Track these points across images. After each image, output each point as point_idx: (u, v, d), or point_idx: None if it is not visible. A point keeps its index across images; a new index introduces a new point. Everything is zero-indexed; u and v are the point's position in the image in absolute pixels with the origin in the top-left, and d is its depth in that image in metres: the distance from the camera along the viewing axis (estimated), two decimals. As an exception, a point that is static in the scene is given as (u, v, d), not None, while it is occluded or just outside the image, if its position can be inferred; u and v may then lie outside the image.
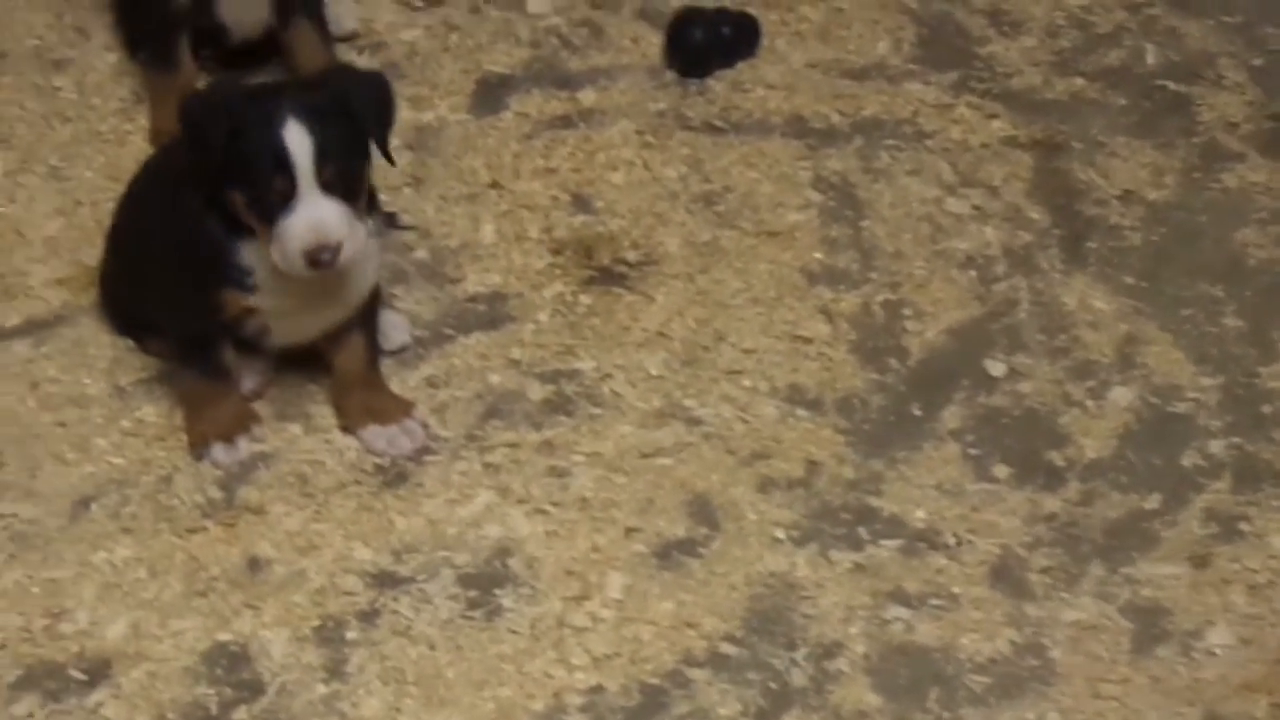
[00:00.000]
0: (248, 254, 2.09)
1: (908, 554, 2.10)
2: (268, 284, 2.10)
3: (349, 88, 2.06)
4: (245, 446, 2.21)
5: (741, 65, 2.75)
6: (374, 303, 2.21)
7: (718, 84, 2.72)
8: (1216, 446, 2.21)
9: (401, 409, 2.23)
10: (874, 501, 2.16)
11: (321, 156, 1.99)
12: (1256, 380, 2.28)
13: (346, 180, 2.03)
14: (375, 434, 2.21)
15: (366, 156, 2.08)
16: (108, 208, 2.37)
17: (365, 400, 2.23)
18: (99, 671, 2.00)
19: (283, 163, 1.98)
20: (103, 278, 2.34)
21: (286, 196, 2.00)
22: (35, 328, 2.35)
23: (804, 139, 2.63)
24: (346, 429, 2.23)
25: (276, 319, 2.16)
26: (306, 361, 2.27)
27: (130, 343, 2.32)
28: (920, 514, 2.15)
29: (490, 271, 2.44)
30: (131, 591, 2.07)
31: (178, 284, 2.14)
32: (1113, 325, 2.36)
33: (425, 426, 2.23)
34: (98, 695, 1.98)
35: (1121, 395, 2.27)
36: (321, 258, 2.00)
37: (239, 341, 2.20)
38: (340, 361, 2.22)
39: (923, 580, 2.08)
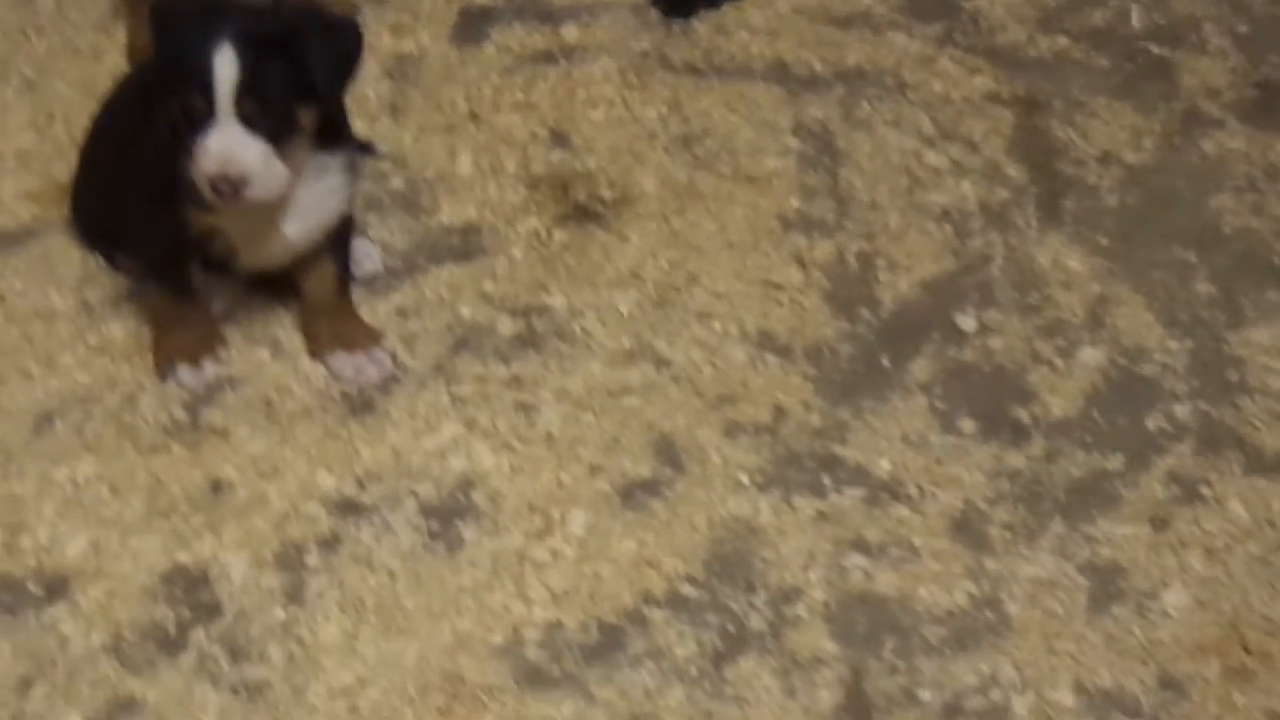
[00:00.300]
0: None
1: (870, 503, 2.11)
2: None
3: (308, 30, 1.99)
4: (210, 369, 2.20)
5: (726, 7, 2.74)
6: (346, 231, 2.20)
7: (702, 25, 2.71)
8: (1181, 410, 2.21)
9: (370, 337, 2.22)
10: (839, 450, 2.17)
11: (245, 87, 1.95)
12: (1225, 346, 2.29)
13: (273, 119, 1.98)
14: (343, 361, 2.21)
15: (310, 101, 2.02)
16: (81, 123, 2.36)
17: (334, 327, 2.22)
18: (57, 587, 1.99)
19: (205, 83, 1.95)
20: (74, 192, 2.32)
21: (203, 118, 1.97)
22: (4, 241, 2.34)
23: (785, 85, 2.62)
24: (314, 355, 2.23)
25: (241, 241, 2.14)
26: (277, 286, 2.26)
27: (99, 259, 2.31)
28: (884, 464, 2.15)
29: (465, 204, 2.43)
30: (92, 509, 2.07)
31: (145, 200, 2.12)
32: (1085, 285, 2.36)
33: (394, 356, 2.22)
34: (55, 611, 1.97)
35: (1090, 355, 2.28)
36: (221, 188, 1.98)
37: (209, 264, 2.19)
38: (310, 287, 2.21)
39: (884, 530, 2.08)
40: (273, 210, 2.08)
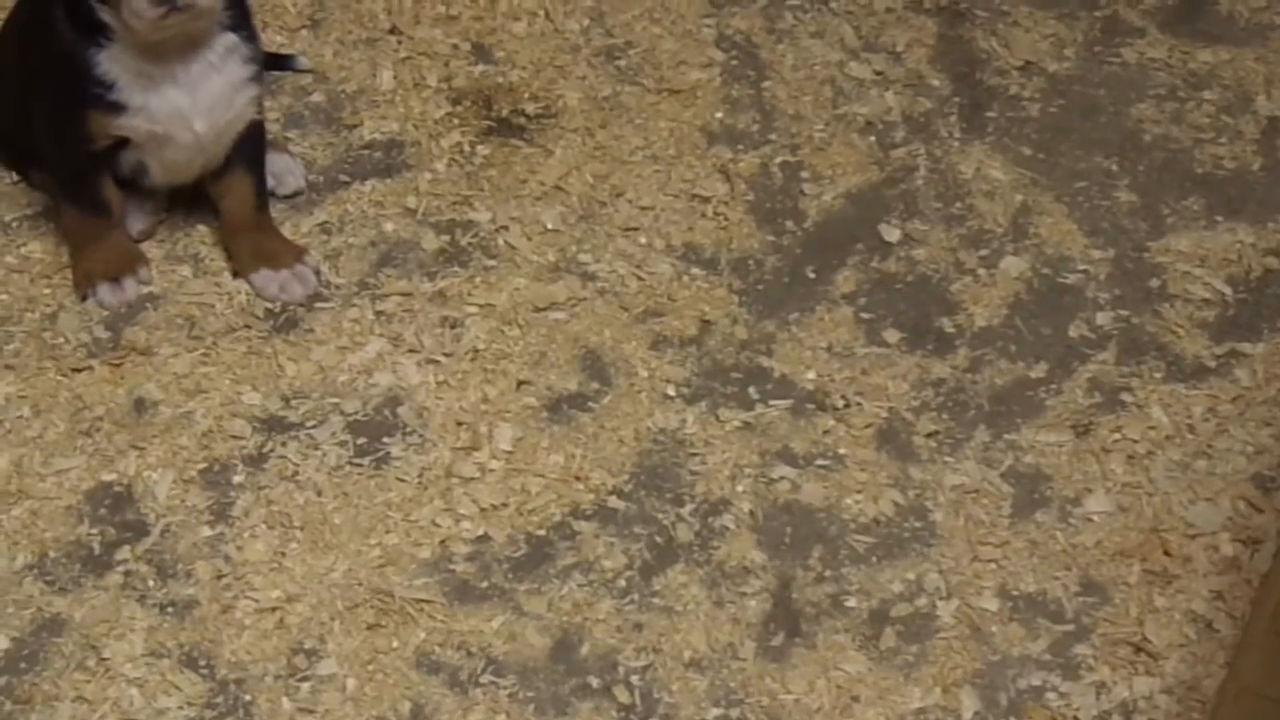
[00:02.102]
0: (107, 63, 2.03)
1: (796, 414, 2.12)
2: (131, 99, 2.05)
3: None
4: (132, 288, 2.17)
5: (649, -82, 2.71)
6: (259, 143, 2.17)
7: (623, -63, 2.69)
8: (1104, 318, 2.23)
9: (293, 254, 2.20)
10: (765, 362, 2.18)
11: None
12: (1146, 255, 2.31)
13: None
14: (267, 278, 2.19)
15: None
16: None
17: (256, 244, 2.20)
18: (-21, 508, 1.98)
19: None
20: None
21: None
22: (-83, 159, 2.30)
23: (709, -4, 2.61)
24: (238, 273, 2.21)
25: (150, 145, 2.11)
26: (197, 203, 2.23)
27: (14, 176, 2.28)
28: (810, 375, 2.16)
29: (387, 119, 2.41)
30: (14, 429, 2.05)
31: (52, 111, 2.09)
32: (1008, 195, 2.37)
33: (318, 273, 2.20)
34: (-22, 532, 1.96)
35: (1013, 265, 2.29)
36: None
37: (124, 181, 2.16)
38: (227, 205, 2.19)
39: (810, 441, 2.09)
40: (180, 104, 2.06)
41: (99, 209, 2.16)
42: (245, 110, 2.13)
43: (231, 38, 2.07)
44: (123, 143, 2.10)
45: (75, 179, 2.15)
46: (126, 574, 1.94)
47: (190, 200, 2.23)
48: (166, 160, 2.13)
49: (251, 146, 2.16)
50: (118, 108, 2.06)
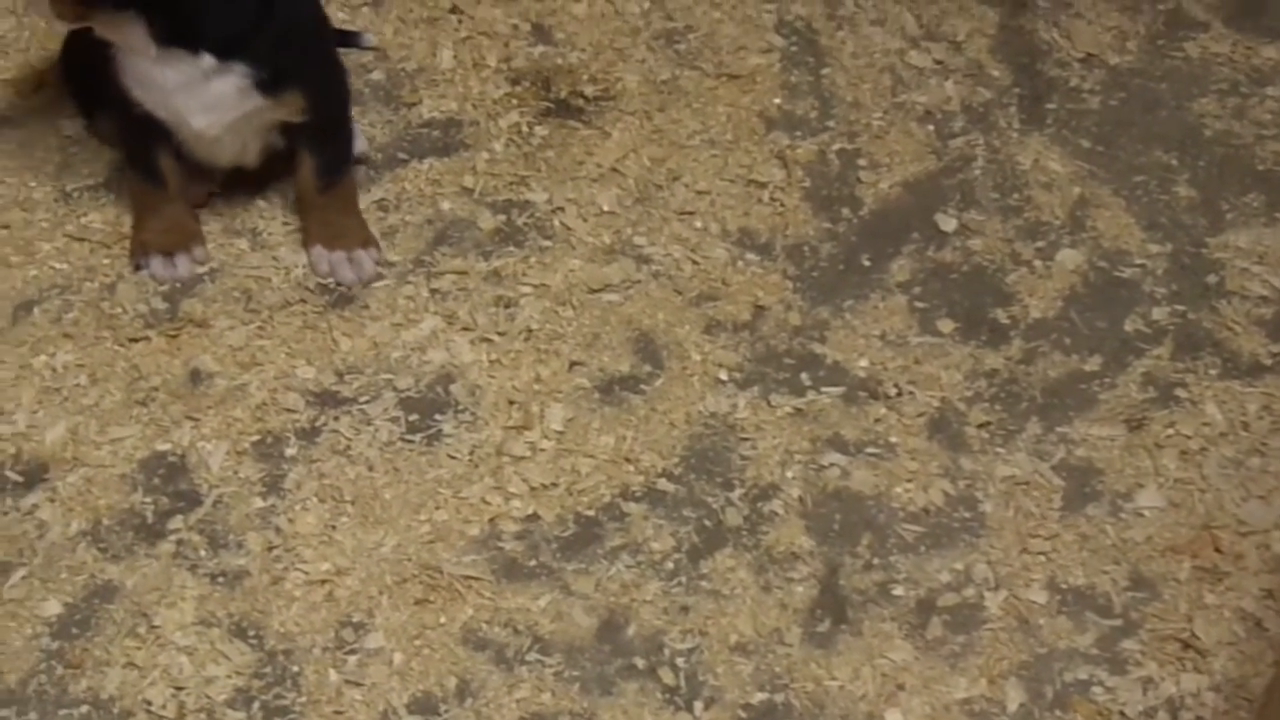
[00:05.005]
0: None
1: (848, 402, 2.12)
2: (134, 82, 2.05)
3: None
4: (184, 265, 2.18)
5: (711, -97, 2.71)
6: (316, 129, 2.15)
7: (687, -79, 2.69)
8: (1160, 313, 2.22)
9: (357, 238, 2.20)
10: (818, 348, 2.17)
11: None
12: (1204, 250, 2.29)
13: None
14: (320, 255, 2.20)
15: None
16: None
17: (322, 219, 2.20)
18: (35, 474, 2.00)
19: None
20: (65, 51, 2.28)
21: None
22: (-18, 127, 2.32)
23: (770, -19, 2.61)
24: (304, 246, 2.21)
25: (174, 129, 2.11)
26: (258, 177, 2.24)
27: (77, 148, 2.30)
28: (863, 363, 2.16)
29: (446, 98, 2.41)
30: (71, 397, 2.06)
31: (105, 68, 2.09)
32: (1066, 187, 2.36)
33: (379, 261, 2.20)
34: (33, 497, 1.98)
35: (1069, 257, 2.28)
36: None
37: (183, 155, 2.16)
38: (297, 179, 2.20)
39: (861, 428, 2.09)
40: (172, 102, 2.05)
41: (153, 177, 2.17)
42: (261, 113, 2.10)
43: (206, 60, 2.02)
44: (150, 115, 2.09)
45: (131, 142, 2.16)
46: (178, 543, 1.96)
47: (250, 175, 2.24)
48: (191, 143, 2.13)
49: (310, 131, 2.15)
50: (129, 82, 2.06)
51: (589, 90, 2.43)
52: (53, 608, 1.90)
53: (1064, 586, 1.96)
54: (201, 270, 2.19)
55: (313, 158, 2.18)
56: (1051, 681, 1.89)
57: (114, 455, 2.02)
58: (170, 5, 1.97)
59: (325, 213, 2.20)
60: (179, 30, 1.99)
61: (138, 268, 2.18)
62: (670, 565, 1.97)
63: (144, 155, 2.15)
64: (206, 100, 2.05)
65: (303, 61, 2.10)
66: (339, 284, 2.19)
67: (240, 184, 2.26)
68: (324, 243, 2.20)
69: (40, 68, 2.35)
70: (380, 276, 2.20)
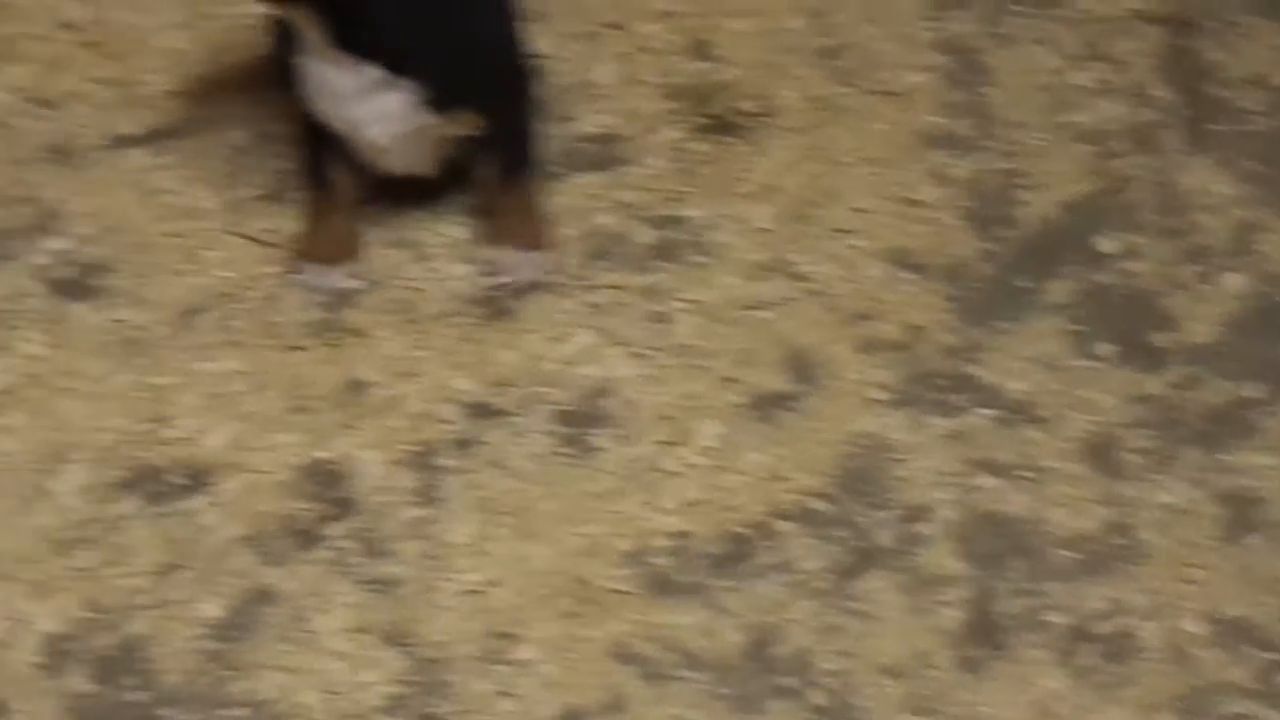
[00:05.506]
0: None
1: (1003, 424, 2.10)
2: (310, 85, 2.09)
3: None
4: (339, 278, 2.21)
5: (874, -81, 2.71)
6: (495, 137, 2.18)
7: (848, -63, 2.69)
8: (1325, 340, 2.19)
9: (532, 240, 2.22)
10: (973, 370, 2.16)
11: None
12: (1372, 277, 2.25)
13: None
14: (489, 254, 2.22)
15: None
16: (231, 22, 2.39)
17: (502, 219, 2.24)
18: (199, 478, 2.04)
19: None
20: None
21: None
22: (154, 137, 2.37)
23: (929, -1, 2.60)
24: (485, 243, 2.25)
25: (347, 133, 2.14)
26: (420, 189, 2.27)
27: (247, 158, 2.34)
28: (1018, 385, 2.14)
29: (604, 113, 2.43)
30: (233, 403, 2.11)
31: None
32: (1229, 210, 2.32)
33: (548, 268, 2.22)
34: (196, 501, 2.02)
35: (1232, 282, 2.25)
36: None
37: (356, 164, 2.20)
38: (479, 178, 2.23)
39: (1016, 452, 2.07)
40: (348, 111, 2.09)
41: (320, 183, 2.21)
42: (433, 129, 2.12)
43: (377, 72, 2.05)
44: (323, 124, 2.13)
45: (306, 148, 2.21)
46: (335, 550, 1.99)
47: (414, 186, 2.27)
48: (365, 151, 2.16)
49: (491, 139, 2.17)
50: (307, 86, 2.10)
51: (747, 107, 2.43)
52: (212, 610, 1.94)
53: (1222, 618, 1.93)
54: (356, 286, 2.22)
55: (495, 160, 2.21)
56: (1207, 715, 1.86)
57: (274, 462, 2.06)
58: (345, 9, 2.00)
59: (505, 213, 2.23)
60: (353, 36, 2.02)
61: (295, 274, 2.22)
62: (820, 585, 1.96)
63: (316, 162, 2.20)
64: (378, 111, 2.08)
65: (480, 80, 2.12)
66: (503, 284, 2.21)
67: (403, 194, 2.29)
68: (499, 240, 2.22)
69: (211, 79, 2.40)
70: (552, 280, 2.22)
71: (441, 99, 2.09)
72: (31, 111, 2.40)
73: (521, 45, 2.22)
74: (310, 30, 2.03)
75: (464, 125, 2.14)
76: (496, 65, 2.17)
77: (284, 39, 2.09)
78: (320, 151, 2.18)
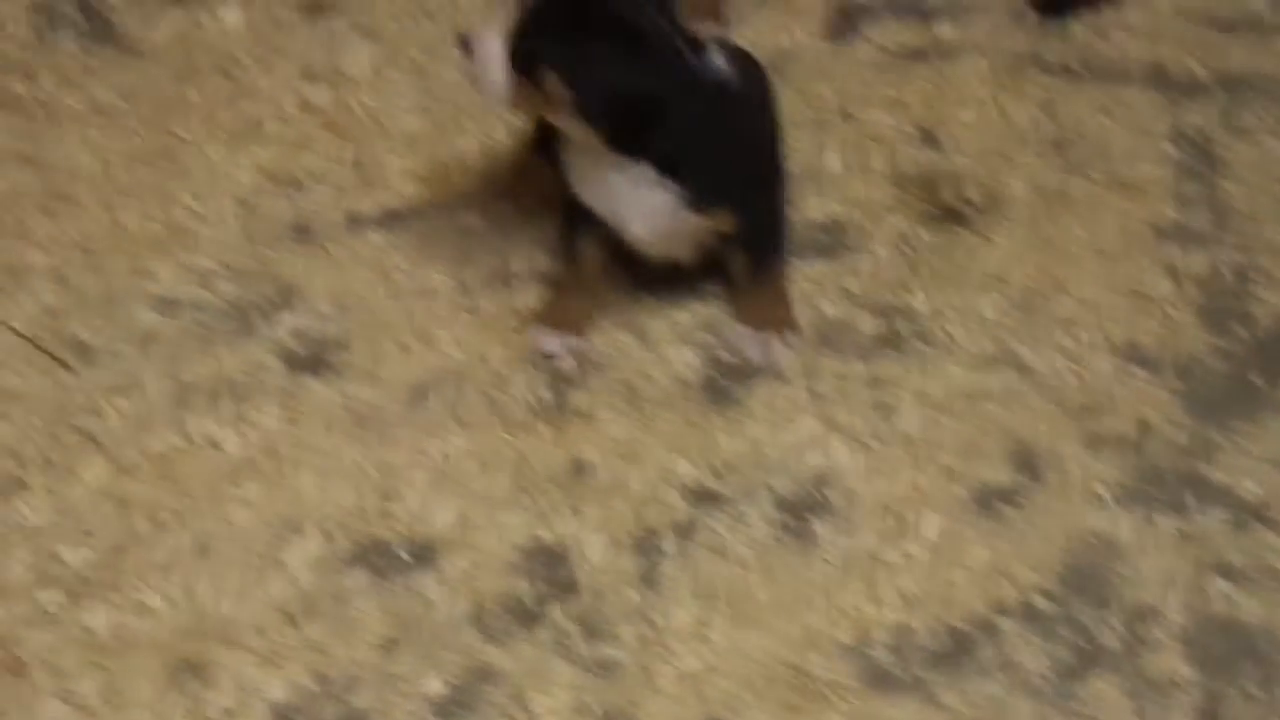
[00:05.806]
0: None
1: (1236, 527, 2.05)
2: (577, 180, 2.16)
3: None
4: (561, 347, 2.25)
5: (1104, 8, 2.68)
6: (742, 234, 2.22)
7: (1078, 26, 2.67)
8: None
9: (776, 324, 2.26)
10: (1205, 469, 2.11)
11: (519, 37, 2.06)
12: None
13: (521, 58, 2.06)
14: (743, 335, 2.26)
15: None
16: (465, 106, 2.44)
17: (748, 302, 2.28)
18: (425, 555, 2.07)
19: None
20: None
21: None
22: (389, 219, 2.43)
23: (1163, 90, 2.56)
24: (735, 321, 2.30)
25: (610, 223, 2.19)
26: (650, 275, 2.30)
27: (478, 240, 2.39)
28: (1253, 487, 2.09)
29: (831, 200, 2.44)
30: (461, 482, 2.14)
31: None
32: None
33: (785, 351, 2.25)
34: (422, 578, 2.05)
35: None
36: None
37: (618, 246, 2.24)
38: (729, 265, 2.27)
39: (1250, 555, 2.02)
40: (612, 206, 2.16)
41: (568, 255, 2.27)
42: (693, 226, 2.17)
43: (647, 170, 2.11)
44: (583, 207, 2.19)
45: (565, 224, 2.27)
46: (556, 630, 2.01)
47: (642, 273, 2.29)
48: (626, 239, 2.21)
49: (740, 236, 2.22)
50: (573, 176, 2.17)
51: (975, 196, 2.42)
52: (435, 686, 1.97)
53: None
54: (575, 364, 2.25)
55: (745, 253, 2.25)
56: None
57: (499, 541, 2.08)
58: (622, 111, 2.06)
59: (754, 298, 2.27)
60: (626, 137, 2.08)
61: (526, 333, 2.26)
62: (1043, 685, 1.93)
63: (568, 232, 2.27)
64: (644, 208, 2.14)
65: (743, 181, 2.19)
66: (746, 364, 2.24)
67: (648, 274, 2.31)
68: (749, 324, 2.27)
69: (447, 162, 2.46)
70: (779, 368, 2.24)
71: (704, 198, 2.14)
72: (273, 191, 2.48)
73: (780, 145, 2.27)
74: (582, 135, 2.09)
75: (723, 223, 2.18)
76: (760, 167, 2.23)
77: (548, 128, 2.16)
78: (577, 226, 2.24)
